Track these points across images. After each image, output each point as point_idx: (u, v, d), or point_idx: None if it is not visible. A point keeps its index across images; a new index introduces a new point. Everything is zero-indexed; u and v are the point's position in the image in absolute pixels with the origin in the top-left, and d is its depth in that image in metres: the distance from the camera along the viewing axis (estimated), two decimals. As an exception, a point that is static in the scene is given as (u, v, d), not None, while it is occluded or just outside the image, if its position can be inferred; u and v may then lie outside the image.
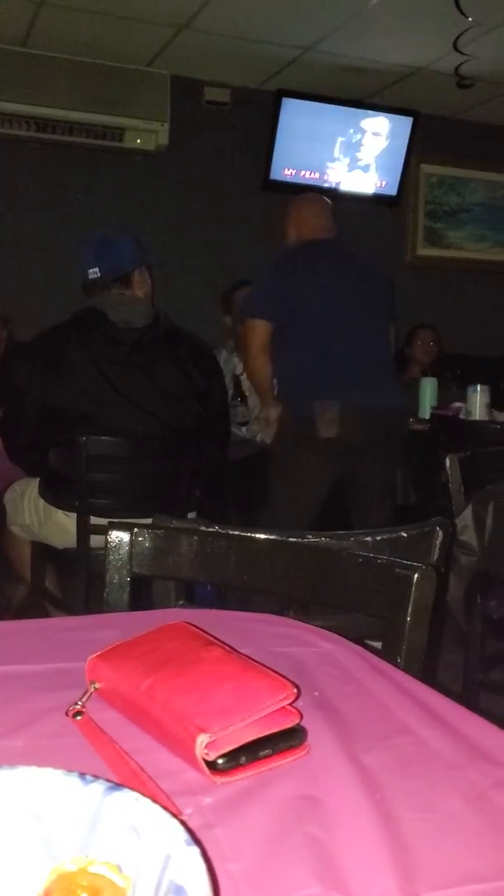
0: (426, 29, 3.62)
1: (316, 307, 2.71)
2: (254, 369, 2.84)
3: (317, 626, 0.91)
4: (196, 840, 0.43)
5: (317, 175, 4.60)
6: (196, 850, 0.42)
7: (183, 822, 0.45)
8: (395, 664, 0.89)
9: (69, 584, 2.49)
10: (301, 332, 2.72)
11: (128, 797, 0.47)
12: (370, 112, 4.59)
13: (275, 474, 2.82)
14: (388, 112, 4.61)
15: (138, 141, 4.23)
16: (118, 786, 0.48)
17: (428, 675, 0.95)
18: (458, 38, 3.42)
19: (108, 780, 0.49)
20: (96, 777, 0.49)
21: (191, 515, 2.37)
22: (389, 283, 2.93)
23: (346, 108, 4.54)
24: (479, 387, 3.60)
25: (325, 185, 4.56)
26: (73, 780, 0.49)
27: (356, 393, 2.67)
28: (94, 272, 2.34)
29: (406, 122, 4.63)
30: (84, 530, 2.25)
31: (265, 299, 2.80)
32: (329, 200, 3.08)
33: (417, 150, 4.74)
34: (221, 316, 3.76)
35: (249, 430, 3.41)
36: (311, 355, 2.71)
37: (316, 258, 2.79)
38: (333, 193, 4.42)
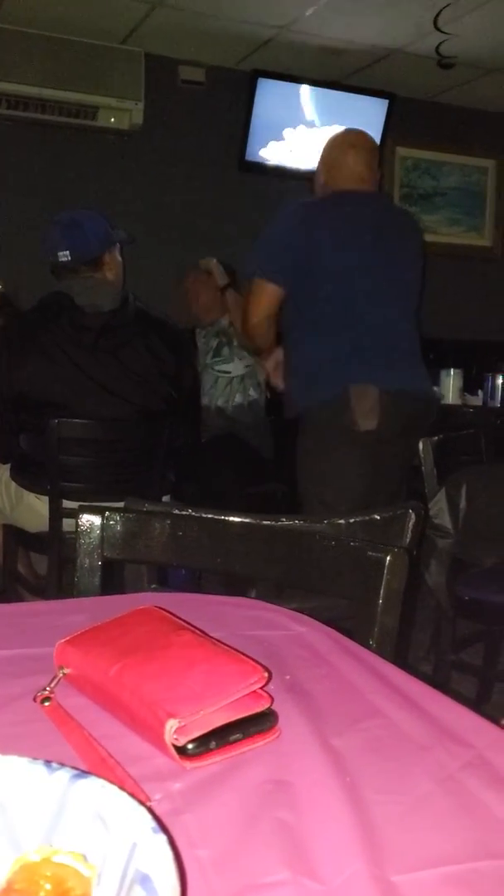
0: (404, 9, 3.59)
1: (338, 269, 2.21)
2: (254, 337, 2.38)
3: (290, 608, 0.90)
4: (163, 828, 0.42)
5: (292, 156, 4.56)
6: (163, 838, 0.41)
7: (150, 810, 0.44)
8: (368, 646, 0.89)
9: (42, 568, 2.47)
10: (320, 297, 2.22)
11: (94, 785, 0.46)
12: (346, 93, 4.56)
13: (310, 470, 2.33)
14: (365, 94, 4.57)
15: (112, 120, 4.16)
16: (84, 773, 0.47)
17: (400, 656, 0.95)
18: (438, 13, 3.39)
19: (74, 768, 0.48)
20: (62, 764, 0.48)
21: (165, 499, 2.36)
22: (423, 247, 2.49)
23: (322, 90, 4.50)
24: (451, 371, 3.63)
25: (300, 166, 4.53)
26: (39, 768, 0.48)
27: (389, 375, 2.22)
28: (64, 255, 2.31)
29: (382, 104, 4.60)
30: (56, 514, 2.23)
31: (271, 255, 2.27)
32: (373, 141, 2.47)
33: (393, 133, 4.72)
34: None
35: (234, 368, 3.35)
36: (336, 327, 2.22)
37: (342, 211, 2.27)
38: (307, 175, 4.39)
